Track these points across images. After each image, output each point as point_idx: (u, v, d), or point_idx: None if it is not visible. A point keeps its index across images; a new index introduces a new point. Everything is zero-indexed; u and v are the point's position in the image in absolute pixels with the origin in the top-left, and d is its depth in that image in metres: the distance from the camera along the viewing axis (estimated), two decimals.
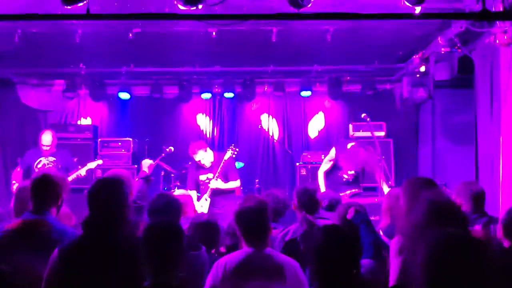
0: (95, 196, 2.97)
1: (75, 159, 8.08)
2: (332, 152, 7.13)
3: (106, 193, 2.97)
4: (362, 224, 3.23)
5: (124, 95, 9.07)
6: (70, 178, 6.96)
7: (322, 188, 6.88)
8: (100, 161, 7.79)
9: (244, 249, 3.23)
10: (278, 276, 3.09)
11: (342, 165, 6.98)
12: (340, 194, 6.71)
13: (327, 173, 7.08)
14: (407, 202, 3.35)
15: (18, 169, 7.51)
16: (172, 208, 3.77)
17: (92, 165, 7.56)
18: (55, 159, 7.46)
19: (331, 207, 4.44)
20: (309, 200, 4.17)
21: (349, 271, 2.62)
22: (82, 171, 7.29)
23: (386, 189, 6.82)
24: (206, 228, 3.99)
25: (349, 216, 3.21)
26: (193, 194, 6.76)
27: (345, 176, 6.99)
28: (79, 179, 7.44)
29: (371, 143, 7.15)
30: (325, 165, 7.13)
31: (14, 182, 7.22)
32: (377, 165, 6.96)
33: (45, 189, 3.38)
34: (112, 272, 2.78)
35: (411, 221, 2.96)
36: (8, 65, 8.33)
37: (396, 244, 3.31)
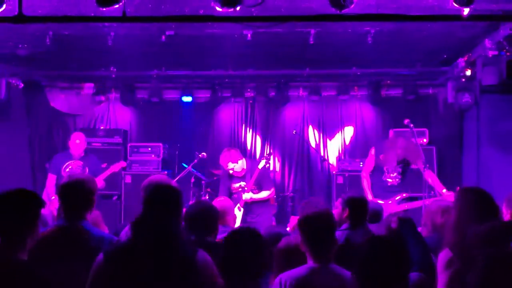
0: (153, 200, 2.94)
1: (104, 165, 8.22)
2: (372, 152, 7.12)
3: (166, 198, 2.95)
4: (409, 234, 3.19)
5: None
6: None
7: (368, 193, 6.86)
8: (123, 164, 7.88)
9: (309, 264, 3.14)
10: None
11: (383, 160, 6.91)
12: (389, 202, 6.71)
13: (371, 179, 7.04)
14: (459, 215, 3.32)
15: (50, 175, 7.59)
16: (209, 216, 3.77)
17: (115, 168, 7.65)
18: (82, 163, 7.58)
19: (372, 218, 4.40)
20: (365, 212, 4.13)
21: (397, 285, 2.59)
22: (100, 181, 7.32)
23: (439, 187, 6.78)
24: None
25: (394, 225, 3.15)
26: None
27: (389, 180, 6.92)
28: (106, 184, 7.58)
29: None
30: (367, 167, 7.12)
31: (53, 198, 7.20)
32: (419, 157, 6.86)
33: (77, 194, 3.41)
34: (164, 281, 2.77)
35: (465, 237, 2.94)
36: (38, 67, 8.54)
37: (444, 257, 3.28)
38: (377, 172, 7.00)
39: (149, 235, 2.83)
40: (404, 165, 6.94)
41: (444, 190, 6.76)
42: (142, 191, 3.91)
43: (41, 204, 2.88)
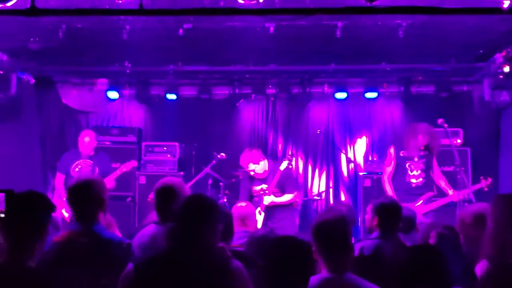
0: (189, 210, 2.92)
1: (117, 165, 8.24)
2: (391, 151, 7.06)
3: (202, 208, 2.93)
4: (448, 249, 3.10)
5: (171, 96, 9.20)
6: None
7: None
8: (135, 163, 7.89)
9: (323, 274, 3.08)
10: None
11: (405, 148, 6.86)
12: (416, 205, 6.64)
13: (393, 181, 6.98)
14: (496, 225, 3.26)
15: (58, 174, 7.66)
16: (226, 224, 3.72)
17: (127, 167, 7.67)
18: (92, 162, 7.62)
19: (404, 228, 4.32)
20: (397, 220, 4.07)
21: None
22: (111, 182, 7.34)
23: (446, 187, 6.88)
24: (264, 244, 3.93)
25: (432, 241, 3.08)
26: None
27: (413, 181, 6.85)
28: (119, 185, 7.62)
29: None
30: (388, 169, 7.05)
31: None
32: (438, 145, 6.92)
33: (85, 197, 3.39)
34: None
35: (504, 248, 2.89)
36: (50, 62, 8.58)
37: (481, 270, 3.22)
38: (399, 174, 6.93)
39: (182, 247, 2.83)
40: (427, 157, 6.86)
41: (451, 191, 6.77)
42: (154, 194, 3.90)
43: (52, 208, 2.88)
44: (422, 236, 3.50)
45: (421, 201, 6.76)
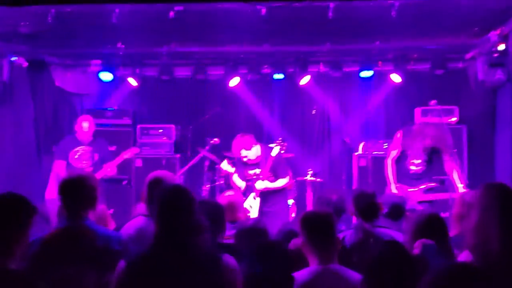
0: (171, 204, 2.93)
1: (113, 148, 8.27)
2: (398, 135, 7.03)
3: (184, 201, 2.94)
4: (433, 260, 3.08)
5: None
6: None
7: (391, 181, 6.82)
8: (137, 150, 7.91)
9: (312, 267, 3.15)
10: None
11: (409, 147, 6.84)
12: (414, 190, 6.66)
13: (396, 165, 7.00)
14: (481, 215, 3.26)
15: (56, 160, 7.67)
16: (217, 217, 3.74)
17: (127, 154, 7.70)
18: (91, 148, 7.64)
19: (392, 215, 4.35)
20: (368, 207, 4.07)
21: None
22: (113, 169, 7.39)
23: (457, 181, 6.72)
24: (253, 236, 3.91)
25: (417, 251, 3.08)
26: (242, 184, 6.86)
27: (413, 168, 6.86)
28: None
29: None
30: (392, 153, 7.04)
31: None
32: (449, 146, 6.79)
33: (78, 192, 3.42)
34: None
35: (487, 240, 2.90)
36: (42, 45, 8.55)
37: (464, 260, 3.24)
38: (401, 158, 6.95)
39: (170, 245, 2.84)
40: (431, 153, 6.85)
41: (461, 185, 6.67)
42: (146, 188, 3.91)
43: (32, 210, 2.88)
44: (408, 228, 3.47)
45: (421, 187, 6.76)
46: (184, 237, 2.85)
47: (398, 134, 7.07)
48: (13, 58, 8.48)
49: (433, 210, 6.48)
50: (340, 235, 3.98)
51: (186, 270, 2.81)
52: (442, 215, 6.84)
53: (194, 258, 2.84)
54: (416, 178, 6.83)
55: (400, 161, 6.97)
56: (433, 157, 6.88)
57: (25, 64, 8.78)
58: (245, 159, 6.87)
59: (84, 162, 7.62)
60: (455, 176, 6.80)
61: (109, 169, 7.45)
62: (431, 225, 3.32)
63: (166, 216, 2.90)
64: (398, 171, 6.92)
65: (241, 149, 6.83)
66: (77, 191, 3.42)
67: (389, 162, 7.00)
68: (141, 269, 2.83)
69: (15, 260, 2.79)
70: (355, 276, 3.12)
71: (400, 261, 2.59)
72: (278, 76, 9.21)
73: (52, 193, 7.50)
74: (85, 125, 7.60)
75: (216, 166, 8.09)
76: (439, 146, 6.84)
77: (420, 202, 6.68)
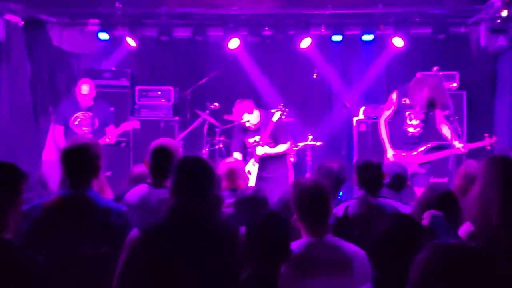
0: (188, 174, 2.89)
1: (112, 109, 8.21)
2: (394, 96, 6.96)
3: (205, 172, 2.91)
4: (442, 231, 3.06)
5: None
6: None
7: (386, 142, 6.82)
8: (137, 124, 7.87)
9: (304, 239, 3.13)
10: (345, 270, 3.00)
11: (406, 105, 6.77)
12: (413, 153, 6.67)
13: (389, 127, 6.94)
14: (484, 186, 3.28)
15: (55, 125, 7.63)
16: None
17: (127, 126, 7.67)
18: (92, 114, 7.59)
19: (394, 185, 4.33)
20: (372, 179, 4.01)
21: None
22: (112, 138, 7.38)
23: (449, 136, 6.71)
24: (252, 205, 3.87)
25: (425, 222, 3.05)
26: (238, 156, 6.85)
27: (411, 130, 6.80)
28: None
29: None
30: (386, 112, 7.00)
31: None
32: (447, 100, 6.76)
33: (81, 160, 3.30)
34: (207, 261, 2.78)
35: (488, 212, 2.93)
36: (38, 4, 8.43)
37: (465, 232, 3.26)
38: (397, 121, 6.90)
39: (190, 216, 2.83)
40: (429, 110, 6.80)
41: (457, 142, 6.62)
42: (150, 156, 3.89)
43: (22, 177, 2.82)
44: (419, 203, 3.43)
45: (419, 150, 6.76)
46: (204, 209, 2.85)
47: (394, 94, 6.98)
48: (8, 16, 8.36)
49: (434, 170, 6.59)
50: (343, 205, 3.99)
51: (206, 242, 2.80)
52: (442, 180, 6.97)
53: (213, 230, 2.84)
54: (413, 142, 6.81)
55: (396, 124, 6.91)
56: (430, 117, 6.82)
57: (21, 23, 8.66)
58: (247, 124, 6.84)
59: (84, 128, 7.60)
60: (447, 132, 6.75)
61: (108, 139, 7.41)
62: (443, 201, 3.30)
63: (186, 187, 2.87)
64: (394, 136, 6.87)
65: (243, 114, 6.79)
66: (80, 159, 3.30)
67: (382, 122, 6.95)
68: (158, 240, 2.81)
69: (9, 230, 2.75)
70: (351, 247, 3.13)
71: (411, 236, 2.56)
72: (280, 38, 9.07)
73: (49, 155, 7.51)
74: (85, 88, 7.52)
75: (216, 129, 8.06)
76: (436, 97, 6.75)
77: (421, 165, 6.71)
